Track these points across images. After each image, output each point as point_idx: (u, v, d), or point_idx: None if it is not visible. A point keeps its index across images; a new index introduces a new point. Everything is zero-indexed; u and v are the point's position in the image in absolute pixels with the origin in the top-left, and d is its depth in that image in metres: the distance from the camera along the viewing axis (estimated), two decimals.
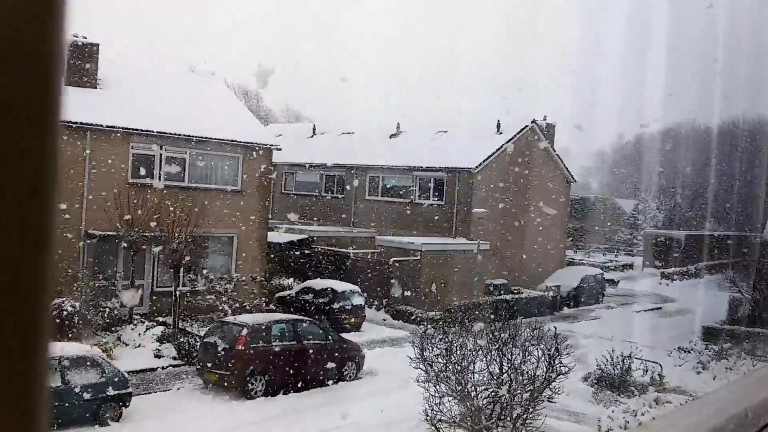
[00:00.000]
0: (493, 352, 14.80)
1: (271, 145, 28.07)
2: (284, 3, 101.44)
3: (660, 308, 38.61)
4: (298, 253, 32.57)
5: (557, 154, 39.61)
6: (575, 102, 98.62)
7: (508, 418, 14.43)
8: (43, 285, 0.71)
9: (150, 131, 24.43)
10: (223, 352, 18.08)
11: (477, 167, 33.75)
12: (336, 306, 26.17)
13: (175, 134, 25.05)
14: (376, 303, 29.82)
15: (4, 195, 0.67)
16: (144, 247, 23.46)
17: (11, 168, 0.66)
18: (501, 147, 35.23)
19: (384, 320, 28.85)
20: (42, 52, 0.68)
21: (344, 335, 22.47)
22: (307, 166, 41.89)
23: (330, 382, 19.53)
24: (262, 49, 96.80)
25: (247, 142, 27.05)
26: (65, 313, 20.10)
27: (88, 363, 15.59)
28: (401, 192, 36.98)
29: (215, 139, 26.07)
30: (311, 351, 19.33)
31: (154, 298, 24.81)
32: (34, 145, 0.68)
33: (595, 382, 19.97)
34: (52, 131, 0.69)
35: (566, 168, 40.10)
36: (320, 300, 26.62)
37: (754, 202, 53.77)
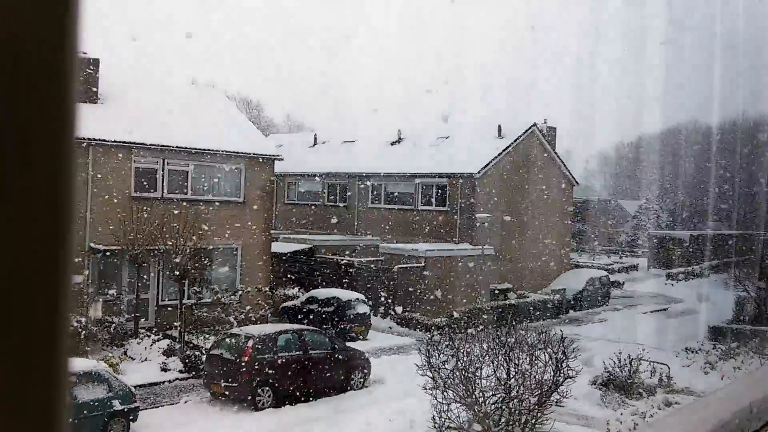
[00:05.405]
0: (499, 357, 14.75)
1: (273, 156, 28.12)
2: (284, 12, 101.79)
3: (666, 309, 38.49)
4: (302, 262, 32.58)
5: (559, 157, 39.62)
6: (577, 104, 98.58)
7: (517, 423, 14.37)
8: (63, 295, 0.71)
9: (152, 145, 24.50)
10: (229, 364, 18.07)
11: (479, 172, 33.74)
12: (341, 315, 26.16)
13: (177, 147, 25.11)
14: (381, 311, 29.78)
15: (27, 203, 0.67)
16: (148, 260, 23.50)
17: (32, 181, 0.67)
18: (503, 151, 35.26)
19: (390, 328, 28.81)
20: (58, 68, 0.68)
21: (350, 344, 22.45)
22: (310, 175, 41.98)
23: (337, 391, 19.49)
24: (263, 59, 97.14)
25: (249, 153, 27.09)
26: (71, 328, 20.11)
27: (95, 378, 15.56)
28: (404, 199, 36.99)
29: (217, 151, 26.12)
30: (318, 361, 19.30)
31: (160, 311, 24.83)
32: (51, 162, 0.68)
33: (603, 384, 19.92)
34: (69, 146, 0.70)
35: (568, 171, 40.10)
36: (326, 309, 26.61)
37: (757, 200, 53.65)
